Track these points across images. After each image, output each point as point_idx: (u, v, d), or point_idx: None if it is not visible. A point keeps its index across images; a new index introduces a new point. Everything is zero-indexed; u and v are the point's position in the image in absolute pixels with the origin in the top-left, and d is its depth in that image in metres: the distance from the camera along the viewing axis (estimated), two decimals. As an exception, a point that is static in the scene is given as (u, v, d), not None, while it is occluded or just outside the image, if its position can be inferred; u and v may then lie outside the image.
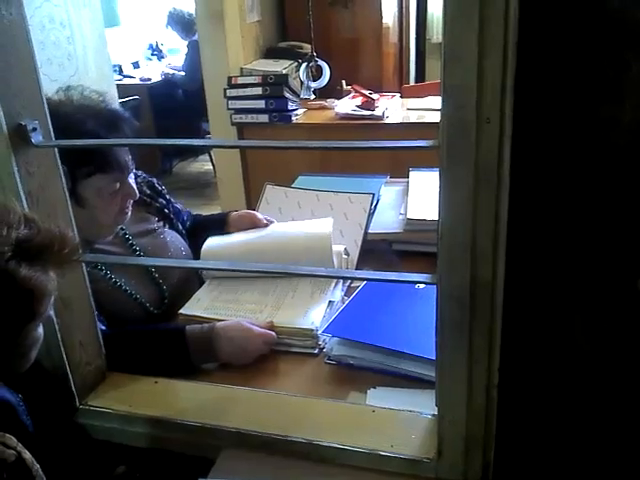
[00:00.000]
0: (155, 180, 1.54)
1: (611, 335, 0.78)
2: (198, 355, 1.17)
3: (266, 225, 1.56)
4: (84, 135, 1.13)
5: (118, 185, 1.26)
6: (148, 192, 1.48)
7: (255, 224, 1.56)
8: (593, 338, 0.79)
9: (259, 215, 1.59)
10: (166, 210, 1.52)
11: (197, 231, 1.58)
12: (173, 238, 1.48)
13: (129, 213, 1.32)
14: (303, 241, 1.44)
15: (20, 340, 0.78)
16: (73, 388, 1.06)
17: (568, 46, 0.66)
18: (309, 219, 1.62)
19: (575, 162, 0.70)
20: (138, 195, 1.32)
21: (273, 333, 1.22)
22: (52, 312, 0.91)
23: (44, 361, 1.01)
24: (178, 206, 1.60)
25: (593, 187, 0.71)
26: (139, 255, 1.37)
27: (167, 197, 1.55)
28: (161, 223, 1.49)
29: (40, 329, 0.81)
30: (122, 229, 1.38)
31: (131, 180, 1.30)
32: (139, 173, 1.46)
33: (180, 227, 1.55)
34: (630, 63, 0.64)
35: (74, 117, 1.18)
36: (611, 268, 0.74)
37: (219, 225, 1.58)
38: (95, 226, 1.27)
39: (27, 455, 0.83)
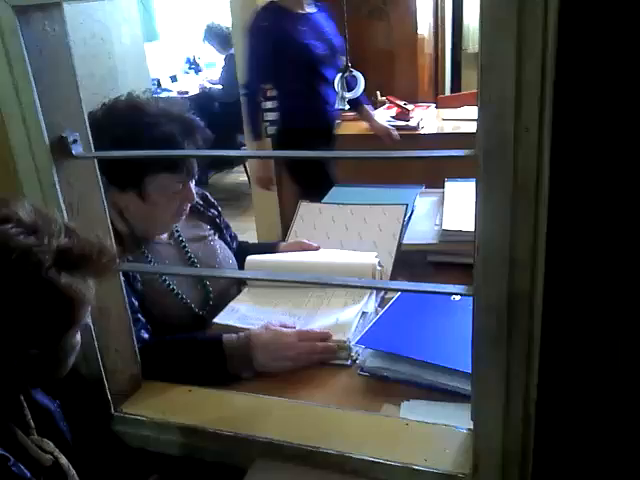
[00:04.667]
0: (208, 193, 1.61)
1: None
2: (235, 365, 1.17)
3: (317, 248, 1.59)
4: (163, 134, 1.23)
5: (180, 187, 1.33)
6: (201, 202, 1.55)
7: (304, 250, 1.59)
8: (636, 353, 0.76)
9: (307, 241, 1.61)
10: (217, 220, 1.59)
11: (245, 256, 1.55)
12: (222, 247, 1.54)
13: (184, 217, 1.39)
14: (345, 268, 1.45)
15: (59, 347, 0.79)
16: (109, 395, 1.07)
17: (609, 53, 0.64)
18: (343, 233, 1.64)
19: (616, 172, 0.69)
20: (195, 200, 1.39)
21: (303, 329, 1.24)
22: (90, 320, 0.93)
23: (81, 368, 1.02)
24: (227, 221, 1.66)
25: (635, 197, 0.69)
26: (190, 258, 1.44)
27: (219, 209, 1.62)
28: (212, 231, 1.55)
29: (78, 336, 0.82)
30: (177, 232, 1.45)
31: (192, 185, 1.36)
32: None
33: (228, 239, 1.62)
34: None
35: (157, 117, 1.27)
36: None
37: (269, 252, 1.59)
38: (151, 222, 1.36)
39: (64, 460, 0.85)
